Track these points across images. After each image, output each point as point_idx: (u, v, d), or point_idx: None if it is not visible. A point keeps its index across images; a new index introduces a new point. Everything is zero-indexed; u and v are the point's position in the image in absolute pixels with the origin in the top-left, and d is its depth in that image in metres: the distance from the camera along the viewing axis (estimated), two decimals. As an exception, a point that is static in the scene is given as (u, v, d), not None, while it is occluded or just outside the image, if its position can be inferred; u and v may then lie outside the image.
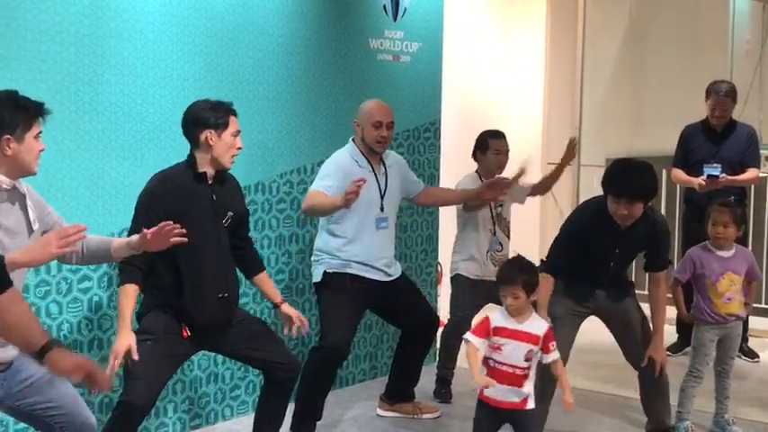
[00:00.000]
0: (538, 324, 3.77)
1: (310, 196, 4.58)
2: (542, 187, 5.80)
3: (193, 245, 3.69)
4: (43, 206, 3.28)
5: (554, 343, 3.76)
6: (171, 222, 3.38)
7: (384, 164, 4.79)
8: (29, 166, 3.13)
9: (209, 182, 3.89)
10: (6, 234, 3.06)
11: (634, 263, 4.86)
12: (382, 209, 4.73)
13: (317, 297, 4.74)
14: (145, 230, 3.34)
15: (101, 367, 2.72)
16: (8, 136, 3.05)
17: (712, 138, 6.10)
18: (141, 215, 3.75)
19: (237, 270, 4.11)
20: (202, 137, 3.82)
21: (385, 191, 4.75)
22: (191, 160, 3.88)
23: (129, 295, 3.70)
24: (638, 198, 4.09)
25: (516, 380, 3.69)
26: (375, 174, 4.72)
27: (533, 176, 7.70)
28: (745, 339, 6.25)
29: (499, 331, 3.71)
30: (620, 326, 4.47)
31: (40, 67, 3.97)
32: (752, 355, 6.22)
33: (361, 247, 4.62)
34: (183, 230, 3.40)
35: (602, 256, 4.32)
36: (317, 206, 4.53)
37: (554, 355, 3.77)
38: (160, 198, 3.76)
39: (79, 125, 4.14)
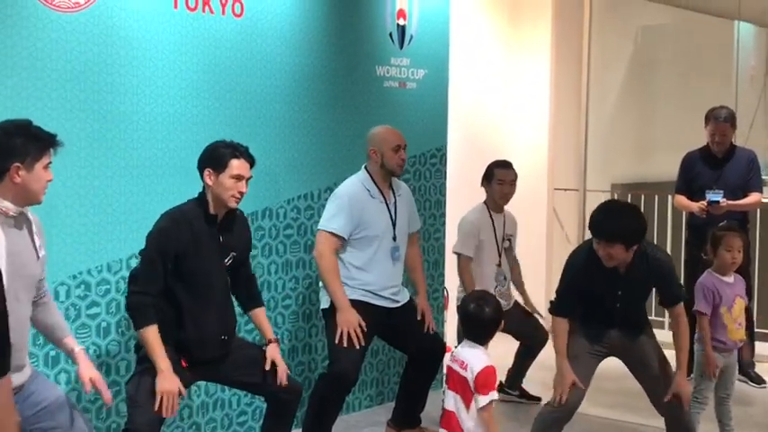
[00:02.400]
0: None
1: (322, 249, 4.58)
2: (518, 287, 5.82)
3: (198, 285, 3.81)
4: (39, 228, 3.32)
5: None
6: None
7: (394, 192, 4.81)
8: (35, 195, 3.17)
9: (218, 223, 3.93)
10: (15, 260, 3.09)
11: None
12: (395, 238, 4.76)
13: (325, 323, 4.76)
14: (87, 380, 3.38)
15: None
16: (18, 164, 3.09)
17: (713, 164, 6.11)
18: (153, 254, 3.78)
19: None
20: (204, 175, 3.91)
21: (395, 219, 4.77)
22: (201, 199, 3.93)
23: (157, 335, 3.73)
24: (616, 240, 4.00)
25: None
26: (386, 203, 4.74)
27: (540, 203, 7.80)
28: (751, 365, 6.25)
29: None
30: (638, 365, 4.35)
31: (51, 95, 4.02)
32: (758, 380, 6.20)
33: (371, 276, 4.64)
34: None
35: (604, 299, 4.25)
36: (326, 281, 4.57)
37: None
38: (173, 238, 3.79)
39: (88, 152, 4.17)
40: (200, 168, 3.93)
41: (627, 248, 4.04)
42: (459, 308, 3.77)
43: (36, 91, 3.97)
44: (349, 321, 4.48)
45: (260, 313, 4.22)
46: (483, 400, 3.57)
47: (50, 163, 3.19)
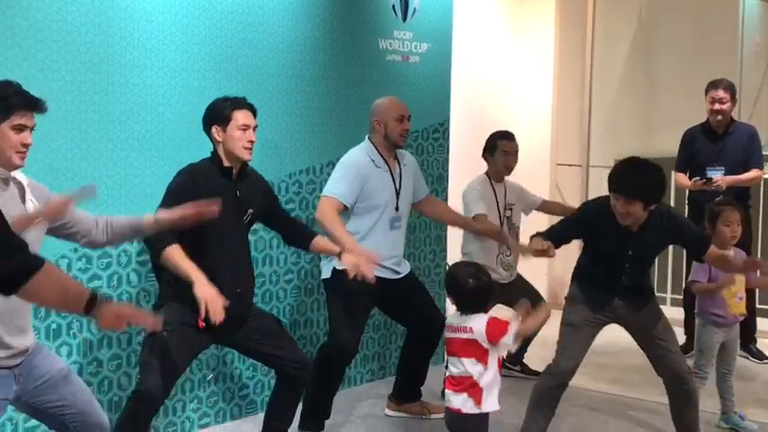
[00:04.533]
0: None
1: (325, 212, 4.53)
2: (549, 209, 5.86)
3: (213, 239, 3.81)
4: (48, 197, 3.28)
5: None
6: (208, 203, 3.52)
7: (399, 163, 4.80)
8: (7, 157, 3.06)
9: (234, 177, 3.95)
10: None
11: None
12: (397, 208, 4.74)
13: (326, 294, 4.75)
14: (176, 210, 3.47)
15: (141, 309, 2.70)
16: None
17: (713, 139, 6.10)
18: (174, 201, 3.75)
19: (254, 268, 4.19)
20: (212, 132, 3.94)
21: (400, 190, 4.75)
22: (214, 156, 3.97)
23: (180, 252, 3.72)
24: (636, 197, 3.94)
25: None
26: (391, 172, 4.72)
27: (542, 178, 7.78)
28: (753, 341, 6.26)
29: None
30: (643, 336, 4.31)
31: (51, 67, 4.00)
32: (760, 356, 6.20)
33: (372, 245, 4.61)
34: (216, 210, 3.52)
35: (614, 256, 4.19)
36: (328, 230, 4.50)
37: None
38: (190, 191, 3.78)
39: (89, 123, 4.15)
40: (207, 128, 3.97)
41: (645, 207, 3.97)
42: (455, 282, 3.70)
43: (36, 62, 3.94)
44: (361, 255, 4.25)
45: (318, 241, 4.26)
46: (510, 335, 3.57)
47: (26, 126, 3.07)
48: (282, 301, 5.10)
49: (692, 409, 4.28)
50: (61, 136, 4.03)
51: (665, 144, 6.52)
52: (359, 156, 4.68)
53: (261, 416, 4.38)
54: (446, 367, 3.90)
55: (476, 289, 3.67)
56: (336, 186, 4.57)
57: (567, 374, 4.21)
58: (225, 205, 3.82)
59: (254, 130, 3.97)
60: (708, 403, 4.74)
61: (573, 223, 4.32)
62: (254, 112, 4.00)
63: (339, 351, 4.55)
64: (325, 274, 4.69)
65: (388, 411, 5.09)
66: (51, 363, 3.24)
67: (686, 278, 5.38)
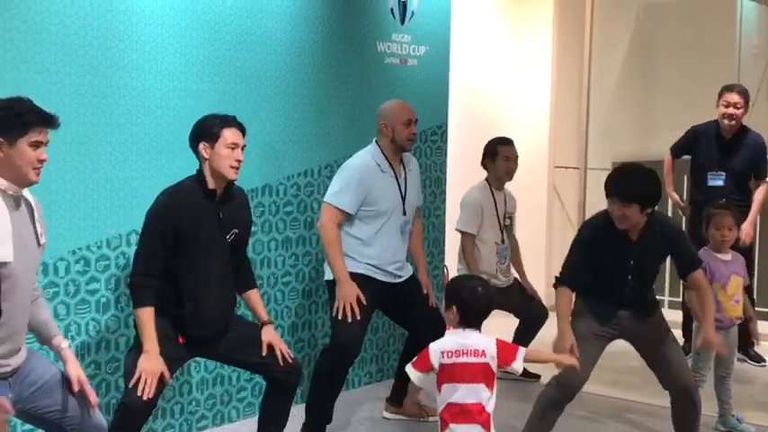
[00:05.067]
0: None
1: (326, 224, 4.53)
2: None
3: (198, 261, 3.80)
4: (44, 222, 3.30)
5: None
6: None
7: (405, 167, 4.79)
8: (23, 174, 3.09)
9: (217, 199, 3.91)
10: (17, 242, 3.06)
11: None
12: (404, 212, 4.74)
13: (329, 295, 4.75)
14: (73, 383, 3.31)
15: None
16: (0, 139, 3.04)
17: (720, 144, 6.03)
18: (152, 232, 3.76)
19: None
20: (199, 149, 3.88)
21: (405, 194, 4.75)
22: (199, 175, 3.91)
23: (150, 317, 3.72)
24: (632, 200, 3.96)
25: None
26: (396, 177, 4.72)
27: (540, 181, 7.79)
28: (751, 344, 6.25)
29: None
30: (648, 347, 4.29)
31: (50, 70, 4.00)
32: (758, 359, 6.21)
33: (377, 249, 4.61)
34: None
35: (616, 269, 4.18)
36: (329, 257, 4.53)
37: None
38: (171, 215, 3.77)
39: (88, 127, 4.15)
40: (194, 145, 3.90)
41: (642, 210, 3.99)
42: (460, 295, 3.53)
43: (35, 65, 3.94)
44: (347, 295, 4.45)
45: (252, 295, 4.18)
46: (519, 363, 3.49)
47: (42, 143, 3.11)
48: (280, 303, 5.10)
49: (696, 420, 4.26)
50: (59, 139, 4.01)
51: (663, 147, 6.52)
52: (365, 160, 4.65)
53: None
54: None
55: (487, 303, 3.56)
56: (340, 196, 4.55)
57: (574, 388, 4.18)
58: (209, 228, 3.84)
59: (242, 149, 3.91)
60: (705, 406, 4.74)
61: (579, 251, 4.25)
62: (242, 131, 3.94)
63: (340, 353, 4.54)
64: (328, 275, 4.68)
65: (386, 414, 5.09)
66: (45, 368, 3.24)
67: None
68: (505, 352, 3.49)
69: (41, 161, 3.12)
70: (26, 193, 3.19)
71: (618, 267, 4.18)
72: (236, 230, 4.00)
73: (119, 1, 4.22)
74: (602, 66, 8.14)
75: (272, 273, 5.03)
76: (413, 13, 5.69)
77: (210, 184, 3.89)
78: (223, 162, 3.85)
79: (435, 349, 3.49)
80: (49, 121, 3.12)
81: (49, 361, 3.41)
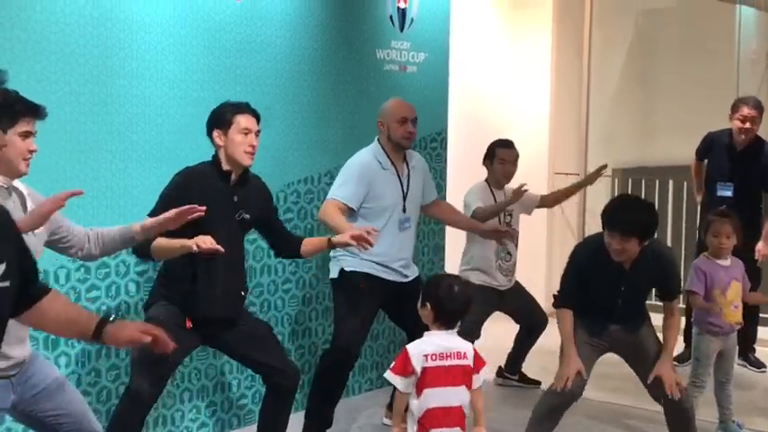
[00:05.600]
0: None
1: (326, 208, 4.55)
2: (551, 200, 5.86)
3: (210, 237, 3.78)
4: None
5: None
6: (192, 206, 3.45)
7: (408, 164, 4.80)
8: (14, 165, 3.08)
9: (232, 182, 3.95)
10: None
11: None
12: (404, 210, 4.74)
13: (333, 293, 4.76)
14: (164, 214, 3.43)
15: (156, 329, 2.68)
16: None
17: (731, 155, 6.00)
18: (165, 205, 3.76)
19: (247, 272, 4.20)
20: (214, 137, 3.94)
21: (407, 192, 4.75)
22: (215, 159, 3.96)
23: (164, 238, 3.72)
24: (632, 234, 3.97)
25: None
26: (398, 174, 4.72)
27: (540, 187, 7.78)
28: (752, 350, 6.26)
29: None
30: (636, 357, 4.31)
31: (49, 78, 4.01)
32: (758, 365, 6.20)
33: (382, 247, 4.59)
34: (203, 209, 3.45)
35: (606, 293, 4.22)
36: (328, 223, 4.52)
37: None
38: (185, 192, 3.80)
39: (88, 134, 4.17)
40: (209, 133, 3.96)
41: (640, 243, 4.01)
42: (436, 293, 3.46)
43: (35, 73, 3.95)
44: (345, 227, 4.28)
45: (306, 243, 4.22)
46: (481, 377, 3.46)
47: (31, 133, 3.10)
48: (281, 310, 5.10)
49: (690, 426, 4.26)
50: (60, 147, 4.03)
51: (663, 152, 6.54)
52: (365, 157, 4.68)
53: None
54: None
55: (464, 300, 3.48)
56: (340, 189, 4.58)
57: (573, 395, 4.19)
58: (222, 208, 3.85)
59: (256, 135, 3.95)
60: (705, 412, 4.75)
61: (574, 274, 4.29)
62: (257, 117, 3.99)
63: (341, 354, 4.56)
64: (333, 273, 4.69)
65: (386, 420, 5.08)
66: (47, 372, 3.25)
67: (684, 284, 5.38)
68: (478, 360, 3.47)
69: (31, 152, 3.11)
70: (17, 183, 3.18)
71: (608, 293, 4.22)
72: (247, 216, 4.01)
73: (119, 9, 4.23)
74: (602, 71, 8.15)
75: (273, 280, 5.03)
76: (412, 20, 5.70)
77: (226, 166, 3.94)
78: (237, 148, 3.89)
79: (416, 352, 3.39)
80: (36, 110, 3.10)
81: (51, 365, 3.42)
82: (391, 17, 5.58)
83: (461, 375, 3.41)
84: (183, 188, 3.85)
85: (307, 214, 5.15)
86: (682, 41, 8.36)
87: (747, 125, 5.89)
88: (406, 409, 3.45)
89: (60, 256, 3.97)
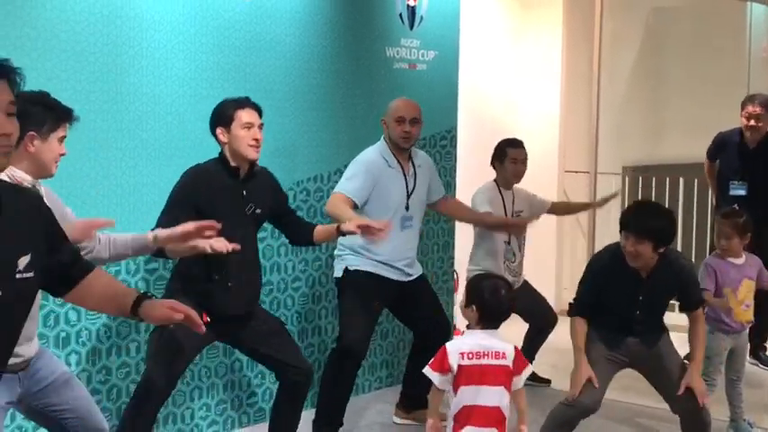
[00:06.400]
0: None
1: (333, 200, 4.57)
2: (561, 210, 5.90)
3: (222, 236, 3.77)
4: (61, 208, 3.29)
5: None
6: (211, 222, 3.44)
7: (413, 163, 4.79)
8: (48, 167, 3.16)
9: (241, 177, 3.95)
10: None
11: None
12: (407, 208, 4.74)
13: (338, 293, 4.77)
14: (177, 228, 3.42)
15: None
16: (33, 133, 3.08)
17: (743, 153, 6.01)
18: (174, 206, 3.81)
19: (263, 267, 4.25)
20: (218, 135, 3.95)
21: (412, 191, 4.75)
22: (221, 156, 3.96)
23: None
24: (645, 236, 3.94)
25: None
26: (403, 173, 4.72)
27: (550, 186, 7.77)
28: (763, 348, 6.23)
29: None
30: (656, 370, 4.27)
31: (60, 76, 4.01)
32: (769, 362, 6.19)
33: (387, 245, 4.62)
34: (218, 226, 3.44)
35: (624, 303, 4.18)
36: (334, 216, 4.52)
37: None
38: (193, 191, 3.83)
39: (98, 132, 4.17)
40: (213, 131, 3.96)
41: (654, 248, 3.98)
42: (482, 295, 3.47)
43: (45, 71, 3.96)
44: (353, 217, 4.28)
45: (317, 232, 4.23)
46: (523, 378, 3.50)
47: (65, 137, 3.18)
48: (290, 308, 5.10)
49: None
50: (70, 145, 4.00)
51: (673, 150, 6.52)
52: (372, 155, 4.69)
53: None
54: None
55: (508, 303, 3.51)
56: (347, 183, 4.60)
57: (588, 410, 4.17)
58: (232, 203, 3.86)
59: (259, 128, 3.95)
60: (716, 410, 4.73)
61: (591, 282, 4.26)
62: (258, 111, 3.99)
63: (348, 352, 4.57)
64: (337, 273, 4.71)
65: (396, 419, 5.09)
66: (54, 366, 3.26)
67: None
68: (520, 361, 3.49)
69: (62, 155, 3.21)
70: (38, 183, 3.20)
71: (627, 303, 4.18)
72: (258, 210, 4.01)
73: (129, 7, 4.24)
74: (612, 69, 8.12)
75: (282, 278, 5.03)
76: (421, 17, 5.69)
77: (233, 162, 3.94)
78: (241, 143, 3.89)
79: (453, 350, 3.42)
80: (72, 114, 3.21)
81: (58, 360, 3.42)
82: (401, 15, 5.58)
83: (499, 375, 3.42)
84: (191, 188, 3.86)
85: (316, 212, 5.15)
86: (692, 39, 8.33)
87: (753, 122, 5.91)
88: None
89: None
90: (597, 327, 4.25)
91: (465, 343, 3.46)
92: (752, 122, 5.91)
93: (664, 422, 4.96)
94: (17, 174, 3.07)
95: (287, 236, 4.35)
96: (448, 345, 3.48)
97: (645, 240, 3.96)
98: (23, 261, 2.18)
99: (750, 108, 5.93)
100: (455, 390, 3.43)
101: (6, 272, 2.16)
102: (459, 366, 3.39)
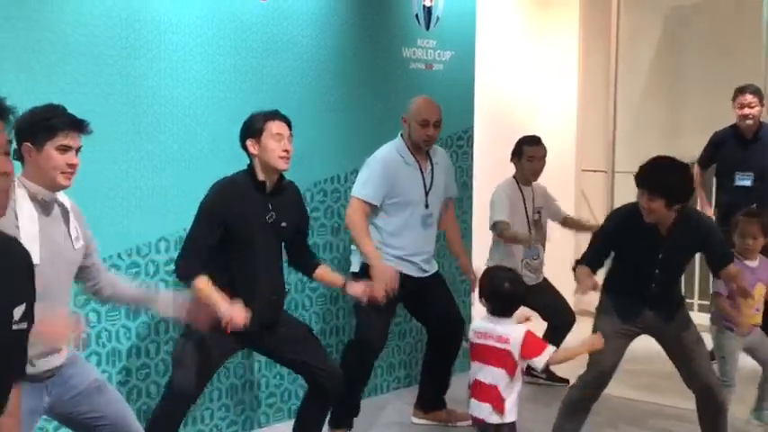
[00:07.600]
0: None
1: (353, 218, 4.59)
2: (571, 225, 5.91)
3: (248, 250, 3.88)
4: (85, 226, 3.31)
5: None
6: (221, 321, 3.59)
7: (431, 160, 4.80)
8: (51, 178, 3.09)
9: (268, 191, 3.96)
10: (49, 246, 3.07)
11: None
12: (427, 206, 4.75)
13: None
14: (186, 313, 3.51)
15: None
16: (28, 144, 3.06)
17: (743, 145, 6.09)
18: (203, 221, 3.85)
19: (286, 276, 4.20)
20: (248, 146, 3.95)
21: (430, 187, 4.76)
22: (250, 169, 3.97)
23: (206, 282, 3.76)
24: (659, 192, 3.89)
25: None
26: (421, 170, 4.73)
27: (567, 184, 7.76)
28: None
29: None
30: (673, 347, 4.23)
31: (78, 80, 4.04)
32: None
33: (403, 241, 4.64)
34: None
35: (643, 262, 4.12)
36: (353, 238, 4.61)
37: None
38: (221, 205, 3.86)
39: (117, 135, 4.20)
40: (243, 144, 3.97)
41: (668, 205, 3.91)
42: (491, 284, 3.72)
43: (64, 75, 3.99)
44: (383, 272, 4.42)
45: (320, 271, 4.25)
46: (541, 359, 3.60)
47: (71, 147, 3.11)
48: (308, 309, 5.12)
49: (722, 421, 4.21)
50: (88, 148, 4.05)
51: (691, 148, 6.50)
52: (388, 152, 4.70)
53: (288, 423, 4.40)
54: None
55: (510, 294, 3.69)
56: (364, 187, 4.61)
57: (599, 386, 4.17)
58: (259, 217, 3.90)
59: (289, 140, 3.96)
60: (736, 409, 4.71)
61: (604, 238, 4.25)
62: (288, 122, 4.00)
63: (364, 346, 4.61)
64: (354, 267, 4.72)
65: (414, 419, 5.10)
66: (86, 374, 3.26)
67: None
68: (532, 345, 3.61)
69: (72, 165, 3.12)
70: (62, 197, 3.20)
71: (646, 261, 4.12)
72: (284, 224, 4.02)
73: (146, 11, 4.27)
74: (629, 68, 8.09)
75: (300, 278, 5.04)
76: (438, 18, 5.70)
77: (261, 177, 3.95)
78: (271, 154, 3.91)
79: (472, 327, 3.81)
80: (76, 124, 3.13)
81: (91, 366, 3.44)
82: (417, 15, 5.58)
83: (501, 358, 3.61)
84: (220, 202, 3.88)
85: (334, 213, 5.16)
86: (709, 37, 8.28)
87: (746, 111, 6.05)
88: None
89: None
90: (613, 291, 4.22)
91: (478, 323, 3.79)
92: (745, 111, 6.04)
93: (681, 422, 4.94)
94: (31, 188, 3.07)
95: (289, 254, 4.25)
96: (473, 321, 3.86)
97: (657, 197, 3.91)
98: (18, 311, 2.12)
99: (741, 98, 6.08)
100: (470, 363, 3.78)
101: (2, 321, 2.09)
102: (471, 343, 3.75)
